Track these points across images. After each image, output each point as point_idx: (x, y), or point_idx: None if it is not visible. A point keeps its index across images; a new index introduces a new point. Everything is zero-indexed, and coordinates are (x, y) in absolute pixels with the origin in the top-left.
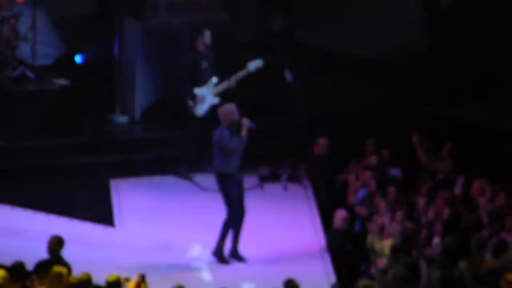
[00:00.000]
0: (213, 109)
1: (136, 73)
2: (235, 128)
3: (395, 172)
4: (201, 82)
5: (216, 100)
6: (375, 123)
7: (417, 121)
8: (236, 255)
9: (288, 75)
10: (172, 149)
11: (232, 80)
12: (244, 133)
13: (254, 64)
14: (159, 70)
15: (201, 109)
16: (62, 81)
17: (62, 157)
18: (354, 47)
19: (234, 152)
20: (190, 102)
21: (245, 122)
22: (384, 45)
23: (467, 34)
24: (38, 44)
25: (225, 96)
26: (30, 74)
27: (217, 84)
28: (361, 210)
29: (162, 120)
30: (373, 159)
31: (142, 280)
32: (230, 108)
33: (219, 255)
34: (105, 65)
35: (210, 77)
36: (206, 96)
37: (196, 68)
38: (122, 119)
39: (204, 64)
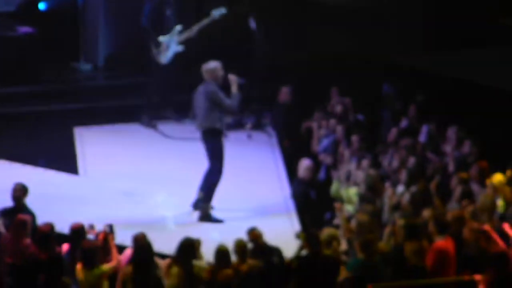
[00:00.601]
0: (177, 56)
1: (100, 21)
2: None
3: (360, 117)
4: (165, 30)
5: (180, 48)
6: (340, 70)
7: (384, 69)
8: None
9: (252, 24)
10: (136, 97)
11: (194, 29)
12: (235, 89)
13: (218, 12)
14: (122, 18)
15: (165, 57)
16: (25, 28)
17: (25, 105)
18: None
19: (230, 110)
20: (154, 50)
21: (233, 78)
22: None
23: None
24: None
25: (188, 44)
26: None
27: (181, 32)
28: (325, 158)
29: (126, 67)
30: (336, 107)
31: (110, 230)
32: (216, 64)
33: (209, 217)
34: (68, 12)
35: (174, 25)
36: (170, 44)
37: (160, 16)
38: (85, 66)
39: (168, 12)
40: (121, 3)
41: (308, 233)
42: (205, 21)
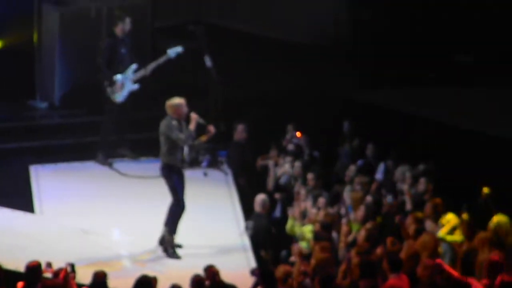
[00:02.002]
0: (132, 95)
1: (56, 59)
2: (183, 121)
3: (315, 154)
4: (119, 68)
5: (135, 86)
6: (294, 107)
7: (337, 105)
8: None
9: (207, 61)
10: (91, 135)
11: (148, 68)
12: (192, 127)
13: (174, 51)
14: (78, 55)
15: (120, 95)
16: None
17: None
18: (273, 29)
19: (180, 143)
20: (108, 88)
21: (194, 116)
22: (302, 28)
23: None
24: None
25: (143, 83)
26: None
27: (136, 71)
28: (281, 196)
29: (82, 106)
30: (290, 144)
31: (71, 269)
32: (180, 102)
33: (171, 250)
34: (24, 50)
35: (129, 63)
36: (125, 82)
37: (114, 54)
38: (41, 104)
39: (123, 50)
40: (76, 41)
41: (264, 271)
42: (160, 60)
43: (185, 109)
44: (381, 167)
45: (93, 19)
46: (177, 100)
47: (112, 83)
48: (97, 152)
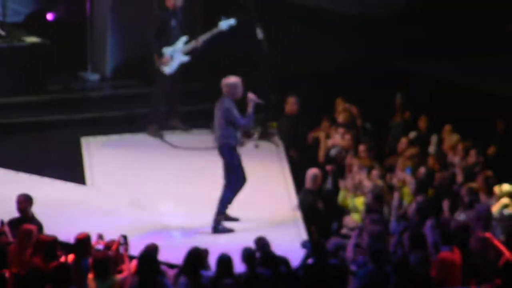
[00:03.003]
0: (182, 66)
1: (107, 31)
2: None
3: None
4: (169, 41)
5: (185, 58)
6: (347, 79)
7: (390, 77)
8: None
9: (258, 33)
10: (143, 107)
11: (200, 40)
12: (250, 109)
13: (226, 23)
14: (130, 27)
15: (170, 67)
16: (33, 38)
17: (33, 115)
18: (329, 3)
19: (239, 127)
20: (158, 60)
21: (252, 97)
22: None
23: None
24: (8, 1)
25: (194, 55)
26: (0, 31)
27: (186, 43)
28: (332, 168)
29: (133, 77)
30: (342, 117)
31: (124, 241)
32: (235, 81)
33: (222, 227)
34: (76, 22)
35: (179, 36)
36: (175, 54)
37: (165, 27)
38: (93, 76)
39: (173, 23)
40: (128, 13)
41: (314, 243)
42: (212, 32)
43: (240, 89)
44: (433, 140)
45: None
46: (233, 79)
47: (161, 55)
48: (147, 124)
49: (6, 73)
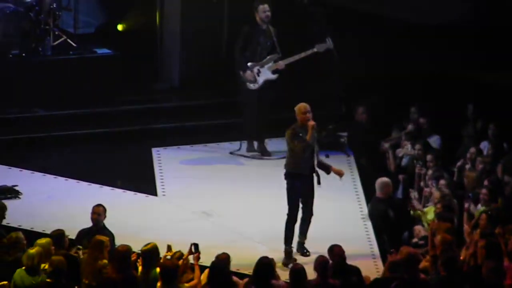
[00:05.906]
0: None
1: (177, 41)
2: (305, 126)
3: (434, 139)
4: (256, 57)
5: (272, 76)
6: (419, 89)
7: (463, 88)
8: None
9: (329, 42)
10: (213, 118)
11: (290, 60)
12: (308, 137)
13: (323, 46)
14: (200, 38)
15: (255, 84)
16: (103, 50)
17: (104, 126)
18: (399, 11)
19: (296, 153)
20: (243, 75)
21: (311, 125)
22: (427, 8)
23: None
24: (79, 13)
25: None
26: (72, 43)
27: (276, 61)
28: (403, 177)
29: (202, 88)
30: (409, 126)
31: (195, 249)
32: (299, 107)
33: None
34: (146, 32)
35: (268, 52)
36: (263, 70)
37: (251, 42)
38: (163, 86)
39: (261, 39)
40: (198, 25)
41: (386, 253)
42: (305, 52)
43: (308, 116)
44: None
45: (215, 2)
46: (298, 106)
47: (245, 70)
48: (241, 141)
49: (77, 84)
